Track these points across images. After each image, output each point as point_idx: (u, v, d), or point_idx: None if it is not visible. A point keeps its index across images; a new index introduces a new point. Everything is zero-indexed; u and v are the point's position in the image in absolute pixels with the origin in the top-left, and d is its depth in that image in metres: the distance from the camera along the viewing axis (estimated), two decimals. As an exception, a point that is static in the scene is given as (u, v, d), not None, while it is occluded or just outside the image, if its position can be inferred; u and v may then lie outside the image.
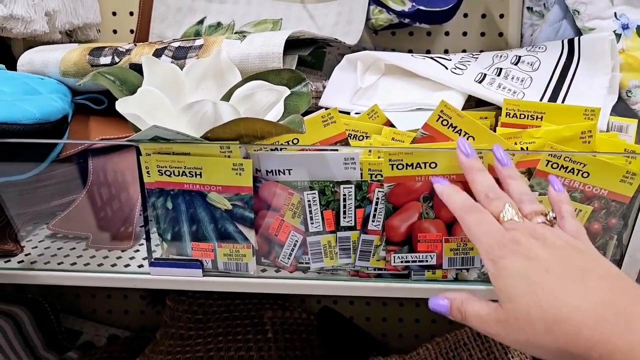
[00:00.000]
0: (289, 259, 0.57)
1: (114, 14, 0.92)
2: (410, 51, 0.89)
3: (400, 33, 0.89)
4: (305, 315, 0.88)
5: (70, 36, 0.88)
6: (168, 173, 0.53)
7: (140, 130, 0.51)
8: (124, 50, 0.66)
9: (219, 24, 0.88)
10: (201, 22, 0.89)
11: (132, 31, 0.92)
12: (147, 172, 0.53)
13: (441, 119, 0.52)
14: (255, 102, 0.54)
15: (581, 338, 0.38)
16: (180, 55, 0.64)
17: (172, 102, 0.54)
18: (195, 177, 0.53)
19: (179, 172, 0.53)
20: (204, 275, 0.57)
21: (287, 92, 0.56)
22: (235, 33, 0.86)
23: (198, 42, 0.65)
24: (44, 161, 0.59)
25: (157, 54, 0.64)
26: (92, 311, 0.99)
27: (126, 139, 0.53)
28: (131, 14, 0.92)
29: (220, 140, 0.51)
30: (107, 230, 0.63)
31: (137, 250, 0.62)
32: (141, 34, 0.91)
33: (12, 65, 0.76)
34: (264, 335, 0.84)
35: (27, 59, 0.70)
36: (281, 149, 0.53)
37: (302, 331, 0.87)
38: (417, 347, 0.78)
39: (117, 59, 0.66)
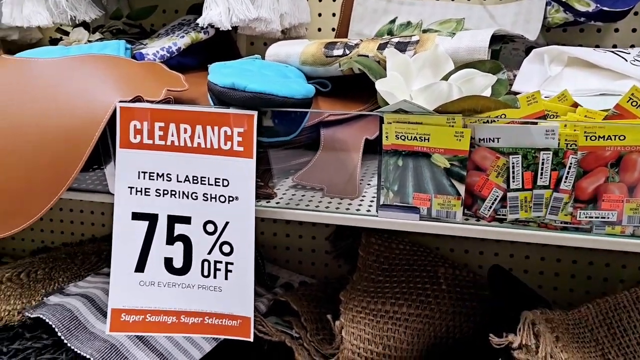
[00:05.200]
0: (488, 210, 0.72)
1: (320, 15, 1.11)
2: (580, 46, 0.99)
3: (571, 30, 1.00)
4: (473, 274, 1.02)
5: (285, 33, 1.09)
6: (403, 137, 0.70)
7: (388, 103, 0.68)
8: (353, 44, 0.84)
9: (408, 23, 1.04)
10: (393, 21, 1.06)
11: (333, 29, 1.11)
12: (386, 136, 0.70)
13: (631, 101, 0.64)
14: (474, 84, 0.69)
15: None
16: (400, 49, 0.80)
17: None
18: (424, 141, 0.69)
19: (411, 137, 0.69)
20: (420, 220, 0.73)
21: (495, 78, 0.70)
22: (424, 31, 1.01)
23: (414, 38, 0.82)
24: (299, 128, 0.79)
25: (381, 47, 0.81)
26: (286, 261, 1.21)
27: (377, 110, 0.70)
28: (333, 14, 1.11)
29: (447, 113, 0.67)
30: (336, 183, 0.82)
31: (362, 199, 0.80)
32: (341, 32, 1.09)
33: (236, 57, 0.97)
34: (439, 286, 0.99)
35: (274, 51, 0.90)
36: (492, 122, 0.68)
37: (470, 286, 1.01)
38: (578, 305, 0.90)
39: (347, 51, 0.84)
